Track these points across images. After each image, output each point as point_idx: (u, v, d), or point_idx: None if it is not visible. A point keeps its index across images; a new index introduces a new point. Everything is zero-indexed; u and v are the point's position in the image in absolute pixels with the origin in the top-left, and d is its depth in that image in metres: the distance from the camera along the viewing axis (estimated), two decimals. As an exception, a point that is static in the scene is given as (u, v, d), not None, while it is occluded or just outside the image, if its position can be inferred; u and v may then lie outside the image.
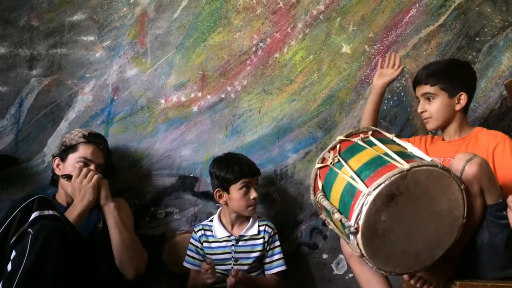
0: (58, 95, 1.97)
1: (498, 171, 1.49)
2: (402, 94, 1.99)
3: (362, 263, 1.51)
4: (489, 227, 1.34)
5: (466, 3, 2.00)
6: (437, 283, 1.35)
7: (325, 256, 1.97)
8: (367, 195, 1.16)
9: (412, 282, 1.36)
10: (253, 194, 1.70)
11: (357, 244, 1.20)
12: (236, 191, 1.70)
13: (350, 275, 1.94)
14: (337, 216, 1.24)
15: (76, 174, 1.60)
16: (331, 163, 1.37)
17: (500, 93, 1.97)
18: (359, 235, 1.18)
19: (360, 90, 2.00)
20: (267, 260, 1.77)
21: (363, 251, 1.20)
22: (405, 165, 1.17)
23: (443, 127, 1.67)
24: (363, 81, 2.00)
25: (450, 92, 1.62)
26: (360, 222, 1.17)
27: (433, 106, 1.63)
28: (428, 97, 1.64)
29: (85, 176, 1.59)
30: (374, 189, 1.16)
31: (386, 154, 1.27)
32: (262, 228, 1.77)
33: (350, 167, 1.30)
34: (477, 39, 2.00)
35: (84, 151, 1.68)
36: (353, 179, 1.24)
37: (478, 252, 1.36)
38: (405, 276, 1.37)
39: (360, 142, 1.38)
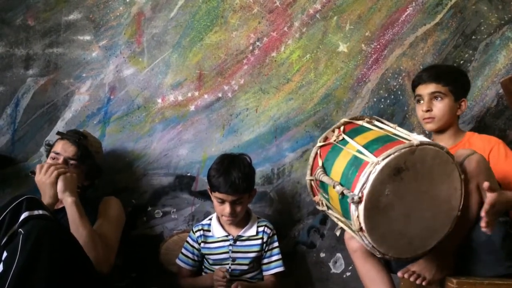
0: (54, 94, 1.96)
1: (494, 175, 1.49)
2: (399, 92, 1.99)
3: (366, 258, 1.50)
4: None
5: (463, 1, 2.00)
6: (432, 278, 1.35)
7: (322, 255, 1.97)
8: (375, 164, 1.16)
9: (406, 276, 1.35)
10: (226, 209, 1.66)
11: (358, 216, 1.19)
12: (214, 197, 1.70)
13: (348, 273, 1.94)
14: (338, 188, 1.23)
15: (38, 171, 1.53)
16: (334, 141, 1.36)
17: (496, 91, 1.97)
18: (361, 206, 1.16)
19: (357, 89, 2.00)
20: (265, 260, 1.77)
21: (362, 224, 1.18)
22: (415, 141, 1.18)
23: (441, 130, 1.65)
24: (360, 79, 2.00)
25: (456, 95, 1.62)
26: (365, 191, 1.15)
27: (439, 106, 1.61)
28: (436, 97, 1.61)
29: (46, 172, 1.50)
30: (383, 159, 1.15)
31: (395, 134, 1.28)
32: (261, 229, 1.77)
33: (356, 142, 1.29)
34: (473, 37, 2.00)
35: (55, 146, 1.68)
36: (360, 152, 1.24)
37: (476, 250, 1.35)
38: (399, 273, 1.37)
39: (366, 125, 1.38)
